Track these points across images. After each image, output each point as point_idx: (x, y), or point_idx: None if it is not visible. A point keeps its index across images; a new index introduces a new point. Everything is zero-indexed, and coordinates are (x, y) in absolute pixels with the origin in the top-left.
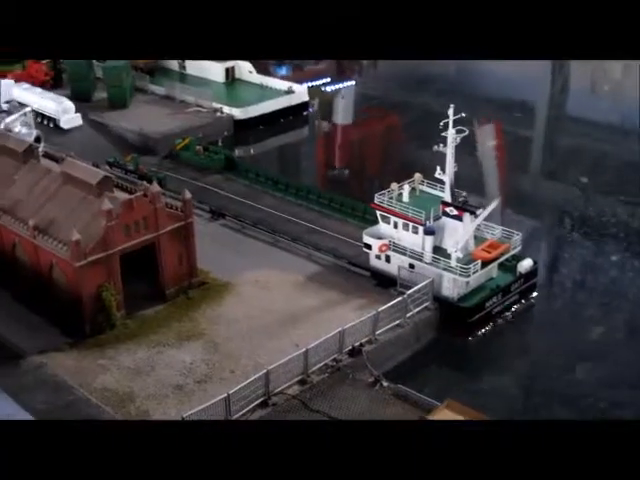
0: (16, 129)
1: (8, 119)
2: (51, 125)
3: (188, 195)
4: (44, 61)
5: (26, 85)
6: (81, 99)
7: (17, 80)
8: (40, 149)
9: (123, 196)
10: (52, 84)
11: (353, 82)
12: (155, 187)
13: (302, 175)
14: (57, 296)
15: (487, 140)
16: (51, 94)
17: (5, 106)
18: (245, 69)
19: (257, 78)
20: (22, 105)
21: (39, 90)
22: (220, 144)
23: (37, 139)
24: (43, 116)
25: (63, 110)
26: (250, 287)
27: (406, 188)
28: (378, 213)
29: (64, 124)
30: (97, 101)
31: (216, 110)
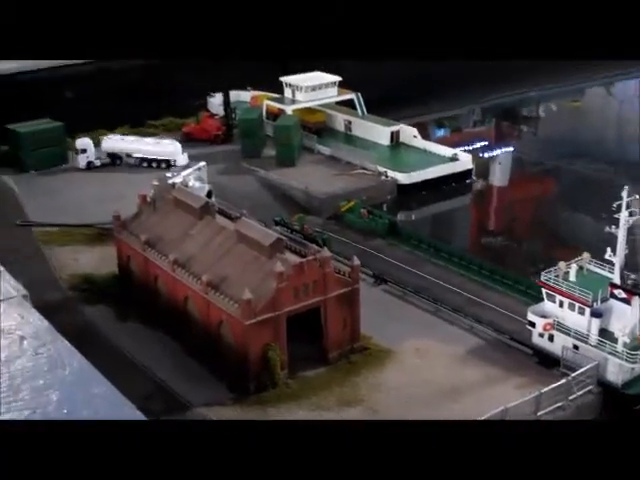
0: (190, 183)
1: (184, 173)
2: (163, 166)
3: (357, 262)
4: (217, 116)
5: (116, 136)
6: (250, 155)
7: (190, 133)
8: (214, 204)
9: (293, 258)
10: (223, 139)
11: (511, 148)
12: (326, 252)
13: (462, 243)
14: (224, 352)
15: None
16: (151, 139)
17: (97, 162)
18: (410, 133)
19: (421, 143)
20: (112, 156)
21: (131, 138)
22: (385, 209)
23: (209, 194)
24: (150, 160)
25: (177, 151)
26: (411, 356)
27: (573, 267)
28: (544, 291)
29: (180, 163)
30: (265, 158)
31: (381, 173)
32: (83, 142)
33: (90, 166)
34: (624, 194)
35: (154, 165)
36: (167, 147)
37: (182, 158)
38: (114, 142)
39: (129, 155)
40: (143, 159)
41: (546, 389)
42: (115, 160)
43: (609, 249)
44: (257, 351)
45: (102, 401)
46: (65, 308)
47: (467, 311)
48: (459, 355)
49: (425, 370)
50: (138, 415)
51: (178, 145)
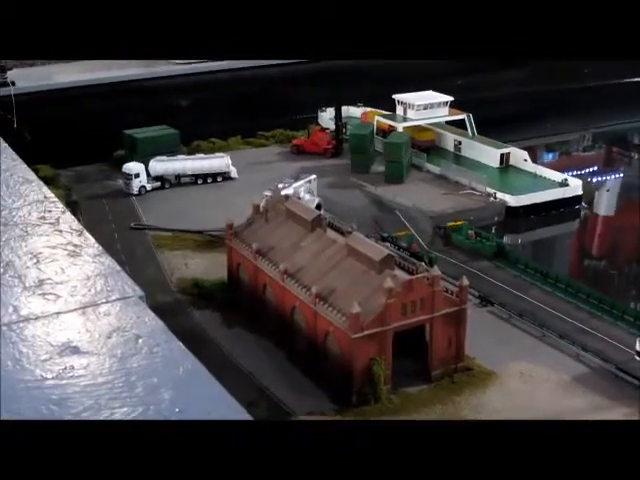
0: (300, 195)
1: (296, 184)
2: (219, 179)
3: (465, 282)
4: (328, 130)
5: (162, 157)
6: (359, 170)
7: (300, 146)
8: (325, 217)
9: (402, 275)
10: (333, 153)
11: (621, 174)
12: (435, 271)
13: (565, 269)
14: (329, 363)
15: None
16: (201, 155)
17: (149, 186)
18: (520, 156)
19: (531, 167)
20: (160, 179)
21: (180, 157)
22: (493, 231)
23: (318, 206)
24: (204, 176)
25: (228, 163)
26: (514, 380)
27: None
28: None
29: (234, 175)
30: (374, 174)
31: (489, 195)
32: (136, 167)
33: (141, 191)
34: None
35: (209, 180)
36: (220, 161)
37: (234, 170)
38: (164, 164)
39: (179, 175)
40: (198, 176)
41: None
42: (164, 183)
43: None
44: (362, 364)
45: (214, 402)
46: (175, 310)
47: (573, 338)
48: (564, 382)
49: (528, 395)
50: (248, 418)
51: (228, 158)
